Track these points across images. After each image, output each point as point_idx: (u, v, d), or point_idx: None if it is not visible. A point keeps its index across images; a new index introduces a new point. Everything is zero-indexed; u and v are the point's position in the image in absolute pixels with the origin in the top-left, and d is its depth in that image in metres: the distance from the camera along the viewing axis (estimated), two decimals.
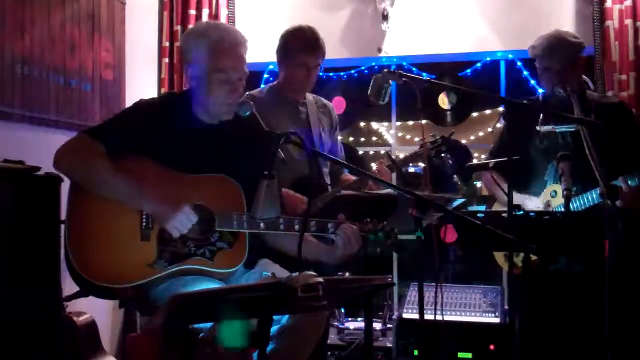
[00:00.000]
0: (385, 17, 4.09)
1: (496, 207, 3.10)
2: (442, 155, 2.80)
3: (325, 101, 3.22)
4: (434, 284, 2.88)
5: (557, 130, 2.87)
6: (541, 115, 2.90)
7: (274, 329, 2.02)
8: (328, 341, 3.47)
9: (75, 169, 2.16)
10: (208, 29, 2.33)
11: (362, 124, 6.87)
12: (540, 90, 3.72)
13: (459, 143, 4.58)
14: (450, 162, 2.80)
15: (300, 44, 2.94)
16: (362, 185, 2.80)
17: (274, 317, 1.73)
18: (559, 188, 2.68)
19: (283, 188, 2.61)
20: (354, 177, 3.10)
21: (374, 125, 6.96)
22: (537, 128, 2.83)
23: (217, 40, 2.23)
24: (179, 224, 2.10)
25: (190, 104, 2.32)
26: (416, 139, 5.92)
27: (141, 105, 2.32)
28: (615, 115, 2.89)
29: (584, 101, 2.89)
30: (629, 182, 2.59)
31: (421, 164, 2.84)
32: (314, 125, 3.03)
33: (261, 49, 3.90)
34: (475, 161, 4.54)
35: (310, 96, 3.12)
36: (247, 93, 3.19)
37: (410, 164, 2.88)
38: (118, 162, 2.15)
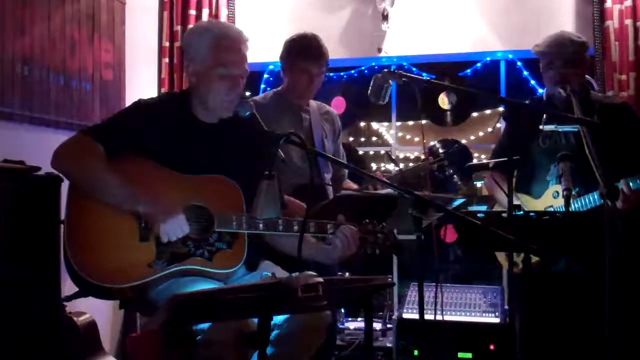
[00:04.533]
0: (385, 17, 4.09)
1: (497, 208, 3.10)
2: (445, 170, 2.81)
3: (329, 108, 3.23)
4: (434, 284, 2.88)
5: (559, 130, 2.87)
6: (544, 114, 2.89)
7: (273, 334, 2.02)
8: (335, 342, 3.46)
9: (71, 168, 2.15)
10: (210, 25, 2.36)
11: (362, 124, 6.87)
12: (541, 91, 3.72)
13: (459, 147, 4.58)
14: (452, 173, 2.81)
15: (303, 51, 2.96)
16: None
17: (273, 320, 1.74)
18: (560, 189, 2.68)
19: (284, 193, 2.61)
20: (355, 186, 3.12)
21: (374, 125, 6.96)
22: (540, 127, 2.83)
23: (220, 35, 2.24)
24: (170, 229, 2.08)
25: (190, 104, 2.32)
26: (416, 138, 5.93)
27: (140, 105, 2.32)
28: (618, 117, 2.88)
29: (587, 102, 2.89)
30: (630, 184, 2.59)
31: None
32: (315, 132, 3.04)
33: (261, 49, 3.91)
34: (475, 161, 4.54)
35: (313, 103, 3.14)
36: (250, 99, 3.20)
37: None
38: (117, 163, 2.15)
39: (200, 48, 2.25)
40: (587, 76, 3.26)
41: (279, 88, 3.15)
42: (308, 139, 2.98)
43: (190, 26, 3.94)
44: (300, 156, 2.81)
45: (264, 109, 2.90)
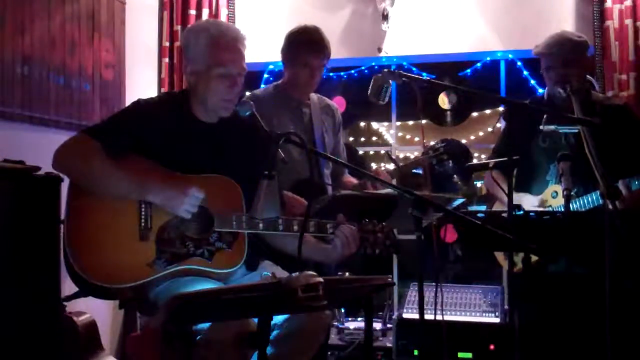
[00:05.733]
0: (385, 17, 4.09)
1: (497, 207, 3.10)
2: (444, 162, 2.81)
3: (329, 101, 3.21)
4: (434, 284, 2.88)
5: (560, 131, 2.87)
6: (545, 114, 2.89)
7: (273, 334, 2.02)
8: (328, 341, 3.46)
9: (74, 167, 2.16)
10: (208, 25, 2.37)
11: (362, 124, 6.88)
12: (541, 91, 3.72)
13: (459, 143, 4.58)
14: (451, 167, 2.81)
15: (304, 44, 2.94)
16: (364, 188, 2.80)
17: (273, 320, 1.74)
18: (559, 189, 2.68)
19: (283, 190, 2.61)
20: (355, 180, 3.11)
21: (374, 125, 6.96)
22: (540, 127, 2.83)
23: (217, 35, 2.24)
24: (189, 207, 2.10)
25: (190, 104, 2.32)
26: (416, 138, 5.93)
27: (140, 105, 2.32)
28: (619, 117, 2.88)
29: (588, 102, 2.89)
30: (630, 185, 2.59)
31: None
32: (316, 126, 3.03)
33: (261, 49, 3.91)
34: (475, 161, 4.54)
35: (314, 96, 3.12)
36: (250, 93, 3.20)
37: (413, 170, 2.89)
38: (117, 162, 2.15)
39: (198, 48, 2.25)
40: (588, 76, 3.26)
41: (278, 82, 3.13)
42: (308, 134, 2.98)
43: (189, 26, 3.93)
44: (300, 152, 2.81)
45: (264, 103, 2.89)
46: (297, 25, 3.04)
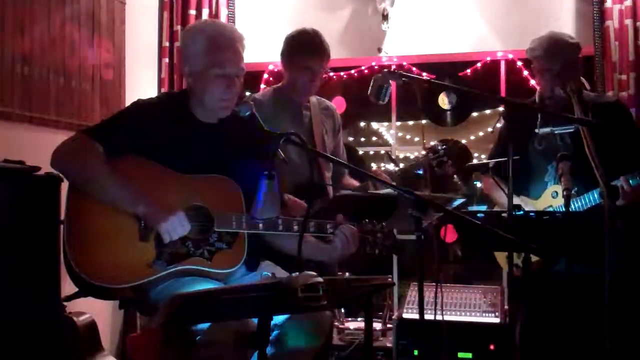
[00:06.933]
0: (385, 17, 4.09)
1: (495, 209, 3.10)
2: (443, 164, 2.82)
3: (329, 103, 3.21)
4: (434, 284, 2.88)
5: (555, 132, 2.87)
6: (539, 117, 2.90)
7: (273, 334, 2.02)
8: (331, 342, 3.45)
9: (71, 169, 2.16)
10: (205, 25, 2.37)
11: (362, 124, 6.86)
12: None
13: (458, 143, 4.58)
14: (451, 169, 2.81)
15: (304, 47, 2.92)
16: (366, 190, 2.81)
17: (273, 320, 1.74)
18: (559, 189, 2.68)
19: (284, 192, 2.61)
20: (355, 182, 3.11)
21: (374, 125, 6.95)
22: (536, 130, 2.83)
23: (214, 35, 2.24)
24: (171, 228, 2.09)
25: (189, 104, 2.31)
26: (416, 138, 5.92)
27: (139, 105, 2.32)
28: (613, 115, 2.89)
29: (581, 101, 2.89)
30: (630, 182, 2.59)
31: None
32: (316, 129, 3.03)
33: (261, 49, 3.92)
34: (475, 161, 4.54)
35: (313, 98, 3.11)
36: (251, 95, 3.20)
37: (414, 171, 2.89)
38: (116, 163, 2.15)
39: (196, 49, 2.25)
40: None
41: (278, 85, 3.13)
42: (309, 136, 2.97)
43: (186, 27, 3.93)
44: (299, 154, 2.80)
45: (265, 106, 2.89)
46: (295, 29, 3.03)
